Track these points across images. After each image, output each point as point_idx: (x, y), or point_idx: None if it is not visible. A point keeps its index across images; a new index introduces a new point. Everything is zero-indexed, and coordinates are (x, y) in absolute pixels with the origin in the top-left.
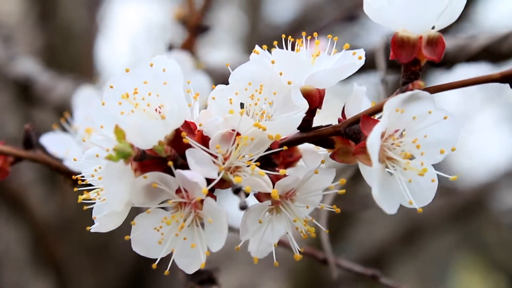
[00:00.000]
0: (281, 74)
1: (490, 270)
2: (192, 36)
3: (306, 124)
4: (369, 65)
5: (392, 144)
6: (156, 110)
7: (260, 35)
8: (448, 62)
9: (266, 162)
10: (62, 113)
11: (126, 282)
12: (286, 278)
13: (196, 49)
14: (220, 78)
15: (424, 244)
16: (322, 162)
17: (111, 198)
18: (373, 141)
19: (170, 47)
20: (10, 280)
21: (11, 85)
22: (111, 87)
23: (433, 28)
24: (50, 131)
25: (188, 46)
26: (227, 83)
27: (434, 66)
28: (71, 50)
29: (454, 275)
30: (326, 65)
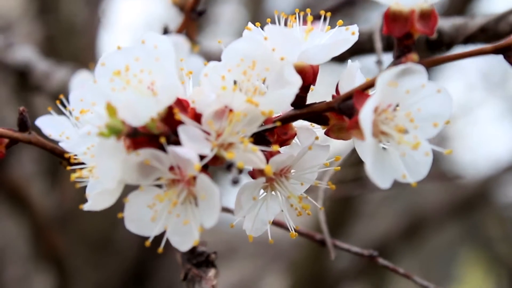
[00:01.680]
0: (273, 50)
1: (492, 264)
2: (188, 20)
3: (300, 101)
4: (367, 47)
5: (386, 118)
6: (148, 87)
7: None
8: (445, 43)
9: (260, 140)
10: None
11: (128, 275)
12: (287, 272)
13: (193, 32)
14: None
15: (427, 237)
16: (316, 138)
17: (103, 175)
18: (365, 115)
19: (165, 31)
20: (13, 274)
21: (10, 77)
22: (103, 64)
23: (426, 1)
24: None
25: (185, 30)
26: None
27: (431, 48)
28: (72, 43)
29: (456, 269)
30: (319, 41)
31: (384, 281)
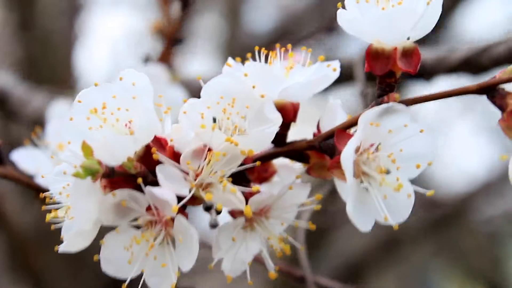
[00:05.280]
0: (254, 87)
1: (468, 277)
2: (169, 48)
3: (280, 138)
4: (348, 77)
5: (367, 158)
6: (126, 125)
7: (240, 42)
8: (427, 73)
9: (239, 178)
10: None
11: None
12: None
13: (173, 60)
14: (197, 90)
15: (404, 252)
16: (298, 177)
17: (79, 216)
18: (346, 156)
19: (146, 59)
20: None
21: None
22: (80, 101)
23: (408, 39)
24: (24, 146)
25: (165, 58)
26: None
27: (413, 77)
28: (50, 59)
29: (433, 283)
30: (300, 78)
31: None
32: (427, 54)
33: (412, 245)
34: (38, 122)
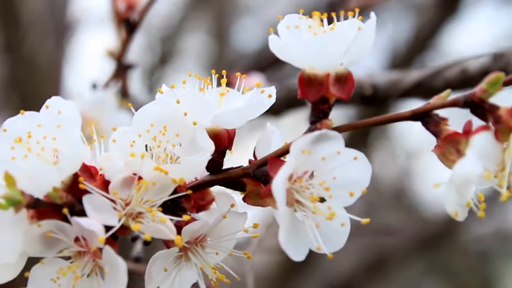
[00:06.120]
0: (186, 114)
1: None
2: (119, 72)
3: (215, 165)
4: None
5: (301, 186)
6: (53, 154)
7: (228, 61)
8: (379, 98)
9: (174, 207)
10: None
11: None
12: None
13: (126, 85)
14: None
15: (394, 272)
16: (232, 206)
17: (3, 248)
18: (277, 184)
19: (94, 85)
20: None
21: None
22: (5, 130)
23: (342, 65)
24: None
25: (123, 83)
26: None
27: (365, 103)
28: (34, 80)
29: None
30: (234, 105)
31: None
32: (380, 78)
33: (401, 265)
34: None
